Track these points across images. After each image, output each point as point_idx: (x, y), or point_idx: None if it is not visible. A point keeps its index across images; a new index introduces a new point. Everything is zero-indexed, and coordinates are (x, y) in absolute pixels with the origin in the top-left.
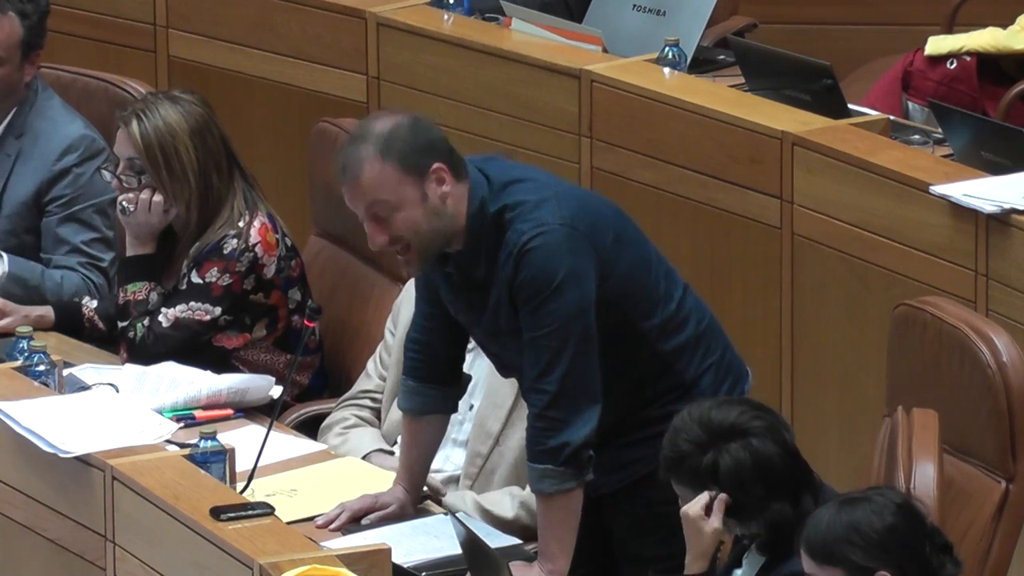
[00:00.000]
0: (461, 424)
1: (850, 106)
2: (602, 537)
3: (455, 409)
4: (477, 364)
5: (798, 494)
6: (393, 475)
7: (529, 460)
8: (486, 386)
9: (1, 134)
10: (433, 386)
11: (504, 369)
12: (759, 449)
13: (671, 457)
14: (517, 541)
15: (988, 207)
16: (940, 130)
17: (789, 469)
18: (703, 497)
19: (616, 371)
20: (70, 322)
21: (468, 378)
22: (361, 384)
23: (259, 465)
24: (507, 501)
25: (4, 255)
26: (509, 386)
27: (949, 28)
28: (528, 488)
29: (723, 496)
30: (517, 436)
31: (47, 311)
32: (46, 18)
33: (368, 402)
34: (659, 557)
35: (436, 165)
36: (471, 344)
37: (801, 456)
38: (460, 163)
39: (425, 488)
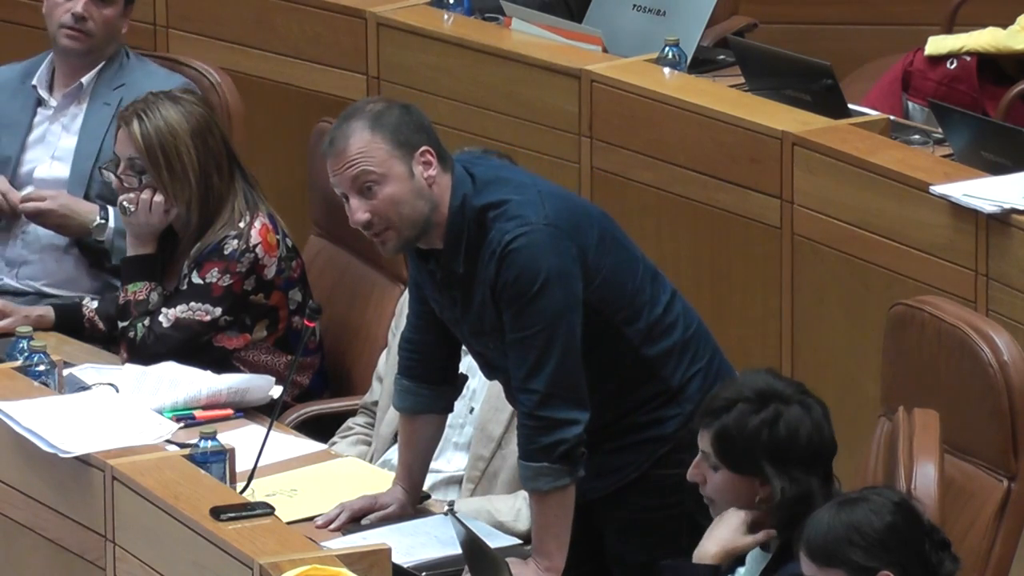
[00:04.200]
0: (461, 427)
1: (850, 106)
2: (593, 540)
3: (451, 409)
4: (476, 367)
5: (825, 480)
6: (390, 475)
7: (522, 459)
8: (487, 390)
9: (95, 85)
10: (428, 386)
11: (489, 369)
12: (818, 419)
13: (718, 407)
14: (517, 541)
15: (988, 207)
16: (940, 130)
17: (831, 453)
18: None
19: (599, 376)
20: (70, 322)
21: (464, 378)
22: (369, 394)
23: (259, 465)
24: (523, 513)
25: (110, 209)
26: None
27: (949, 28)
28: None
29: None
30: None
31: (47, 311)
32: None
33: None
34: (647, 562)
35: (425, 147)
36: None
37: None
38: (446, 155)
39: (426, 488)
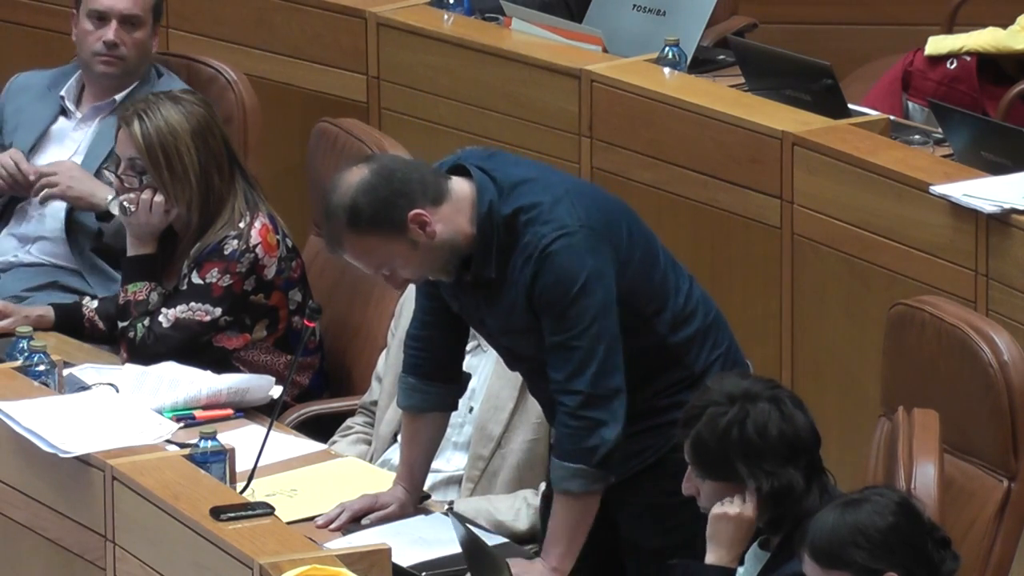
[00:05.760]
0: (461, 427)
1: (850, 106)
2: (607, 531)
3: (455, 407)
4: (477, 367)
5: (811, 475)
6: (390, 475)
7: (560, 458)
8: (486, 389)
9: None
10: (434, 383)
11: (513, 360)
12: (789, 411)
13: (693, 416)
14: (517, 541)
15: (988, 207)
16: (940, 130)
17: (811, 443)
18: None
19: (627, 366)
20: (70, 322)
21: (468, 376)
22: (368, 394)
23: (259, 465)
24: (523, 512)
25: None
26: (510, 389)
27: (949, 28)
28: (539, 490)
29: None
30: (519, 439)
31: (47, 311)
32: None
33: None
34: (663, 548)
35: (412, 213)
36: (470, 346)
37: (820, 446)
38: (437, 185)
39: (425, 488)
